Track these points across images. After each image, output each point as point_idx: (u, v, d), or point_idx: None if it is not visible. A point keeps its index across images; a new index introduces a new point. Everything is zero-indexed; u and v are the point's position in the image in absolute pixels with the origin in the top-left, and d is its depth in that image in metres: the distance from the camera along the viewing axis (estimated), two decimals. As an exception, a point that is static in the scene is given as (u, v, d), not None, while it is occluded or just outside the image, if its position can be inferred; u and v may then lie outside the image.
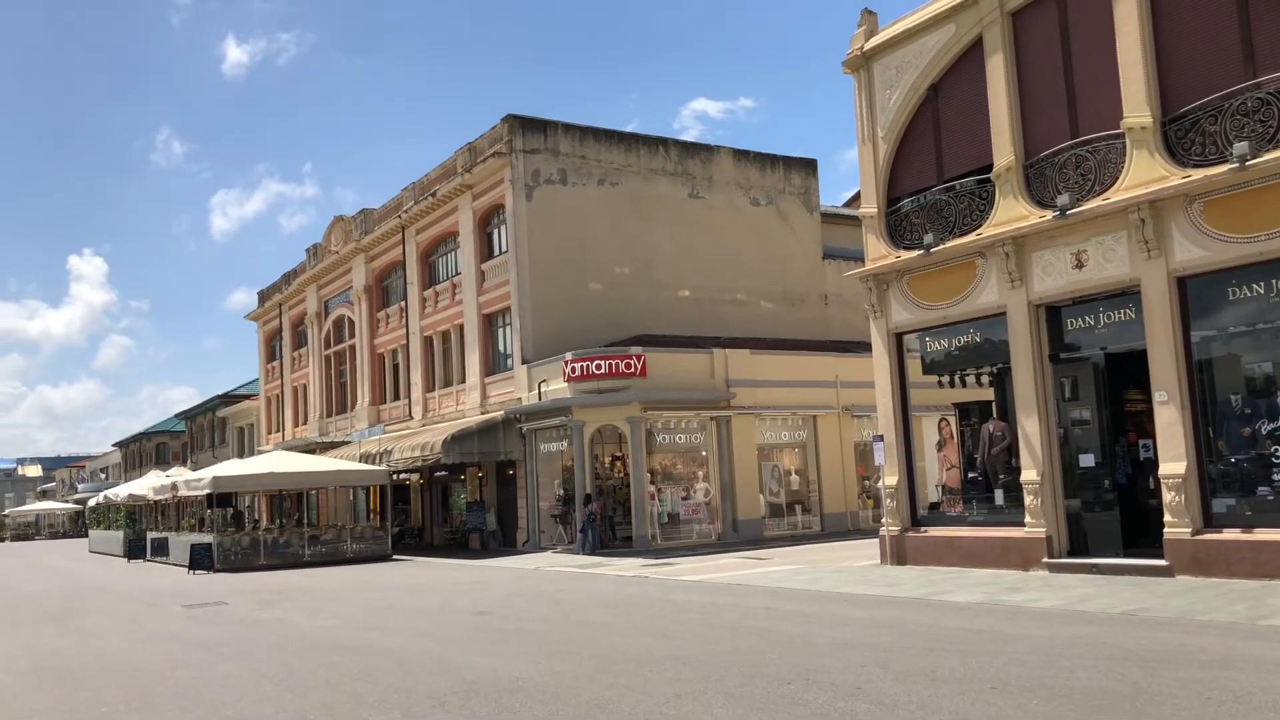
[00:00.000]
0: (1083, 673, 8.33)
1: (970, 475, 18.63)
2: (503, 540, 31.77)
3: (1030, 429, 16.66)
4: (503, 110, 32.46)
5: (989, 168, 17.38)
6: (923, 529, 18.68)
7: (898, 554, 18.80)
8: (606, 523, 27.72)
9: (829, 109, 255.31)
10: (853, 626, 11.56)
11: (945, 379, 19.04)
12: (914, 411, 19.32)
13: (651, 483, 27.59)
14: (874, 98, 19.42)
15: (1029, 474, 16.60)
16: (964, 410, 19.05)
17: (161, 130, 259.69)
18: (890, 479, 19.04)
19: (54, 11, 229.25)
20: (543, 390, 29.10)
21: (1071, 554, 16.24)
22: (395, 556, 30.49)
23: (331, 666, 10.57)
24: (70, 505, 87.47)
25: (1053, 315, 16.75)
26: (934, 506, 19.02)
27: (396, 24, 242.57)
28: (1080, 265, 15.94)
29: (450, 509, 37.01)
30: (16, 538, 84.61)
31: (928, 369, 19.20)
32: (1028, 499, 16.63)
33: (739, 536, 27.88)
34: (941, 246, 17.89)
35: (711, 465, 28.49)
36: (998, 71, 17.20)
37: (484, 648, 11.30)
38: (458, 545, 33.90)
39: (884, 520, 19.34)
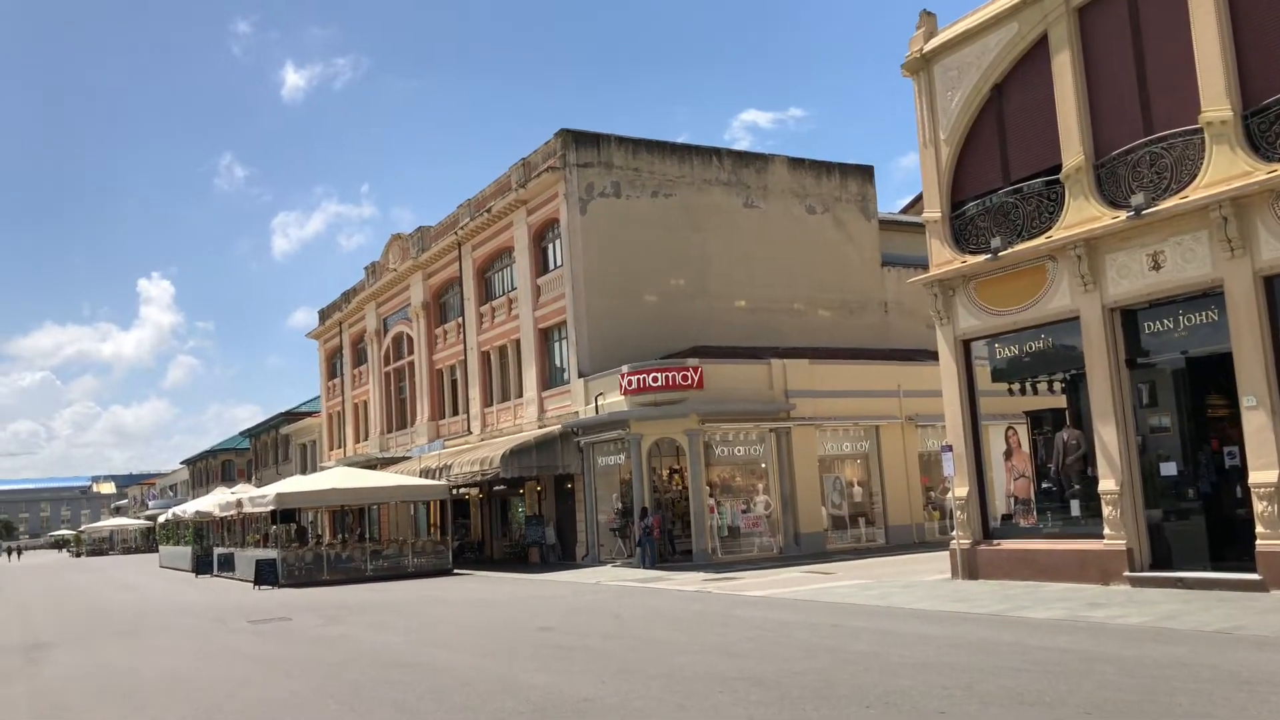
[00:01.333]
0: (1183, 697, 7.85)
1: (1043, 485, 18.00)
2: (562, 554, 31.62)
3: (1108, 437, 16.03)
4: (554, 126, 32.83)
5: (1057, 168, 16.84)
6: (995, 542, 18.09)
7: (969, 568, 18.23)
8: (665, 536, 27.40)
9: (880, 116, 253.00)
10: (929, 645, 11.13)
11: (1015, 386, 18.46)
12: (983, 420, 18.74)
13: (710, 496, 27.24)
14: (935, 100, 18.97)
15: (1107, 484, 15.98)
16: (1036, 418, 18.45)
17: (224, 155, 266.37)
18: (960, 490, 18.50)
19: (123, 45, 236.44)
20: (599, 404, 28.94)
21: (1154, 567, 15.57)
22: (456, 571, 30.51)
23: (396, 685, 10.44)
24: (142, 521, 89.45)
25: (1129, 319, 16.13)
26: (1006, 518, 18.42)
27: (448, 46, 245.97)
28: (1157, 267, 15.33)
29: (509, 523, 36.99)
30: (92, 553, 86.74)
31: (996, 376, 18.63)
32: (1106, 510, 16.00)
33: (801, 550, 27.37)
34: (1010, 250, 17.36)
35: (771, 477, 28.05)
36: (1064, 69, 16.67)
37: (548, 665, 11.09)
38: (517, 559, 33.84)
39: (954, 533, 18.78)
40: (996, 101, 18.06)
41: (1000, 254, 17.44)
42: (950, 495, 18.96)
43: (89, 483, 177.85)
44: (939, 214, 18.82)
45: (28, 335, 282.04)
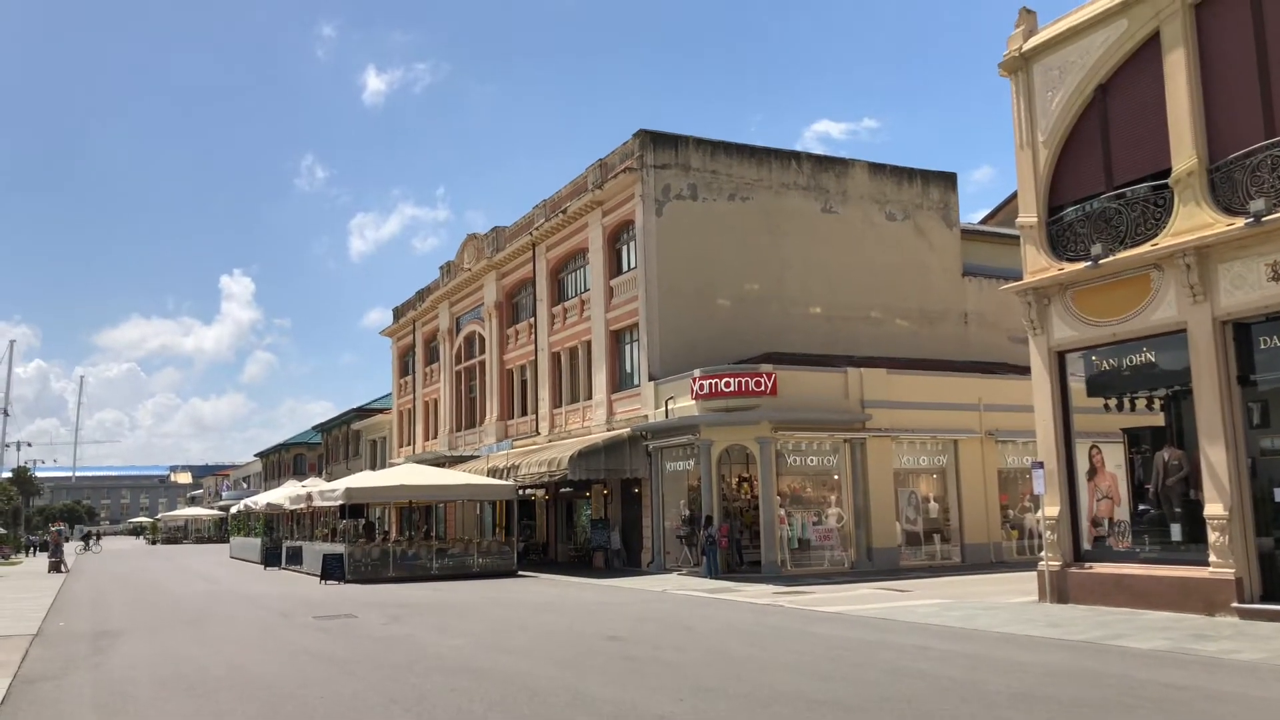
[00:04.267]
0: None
1: (1141, 508, 17.01)
2: (627, 560, 31.17)
3: (1215, 458, 15.03)
4: (627, 135, 32.52)
5: (1166, 172, 15.89)
6: (1087, 565, 17.13)
7: (1058, 591, 17.30)
8: (734, 546, 26.77)
9: (955, 128, 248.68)
10: (1027, 673, 10.39)
11: (1112, 402, 17.49)
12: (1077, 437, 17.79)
13: (780, 506, 26.54)
14: (1033, 101, 18.11)
15: (1214, 508, 14.97)
16: (1133, 436, 17.46)
17: (306, 156, 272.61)
18: (1051, 509, 17.58)
19: (211, 46, 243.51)
20: (670, 408, 28.44)
21: (1265, 599, 14.53)
22: (520, 573, 30.25)
23: (461, 692, 10.06)
24: (215, 512, 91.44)
25: (1241, 333, 15.12)
26: (1099, 540, 17.45)
27: (525, 54, 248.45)
28: (1277, 277, 14.31)
29: (575, 526, 36.69)
30: (167, 541, 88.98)
31: (1092, 391, 17.68)
32: (1212, 536, 14.99)
33: (873, 565, 26.51)
34: (1111, 258, 16.43)
35: (844, 489, 27.24)
36: (1178, 68, 15.72)
37: (620, 678, 10.61)
38: (581, 563, 33.49)
39: (1042, 554, 17.86)
40: (1100, 102, 17.14)
41: (1101, 262, 16.52)
42: (1040, 514, 18.03)
43: (167, 472, 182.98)
44: (1035, 219, 17.95)
45: (116, 327, 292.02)
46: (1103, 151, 17.11)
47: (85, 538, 74.24)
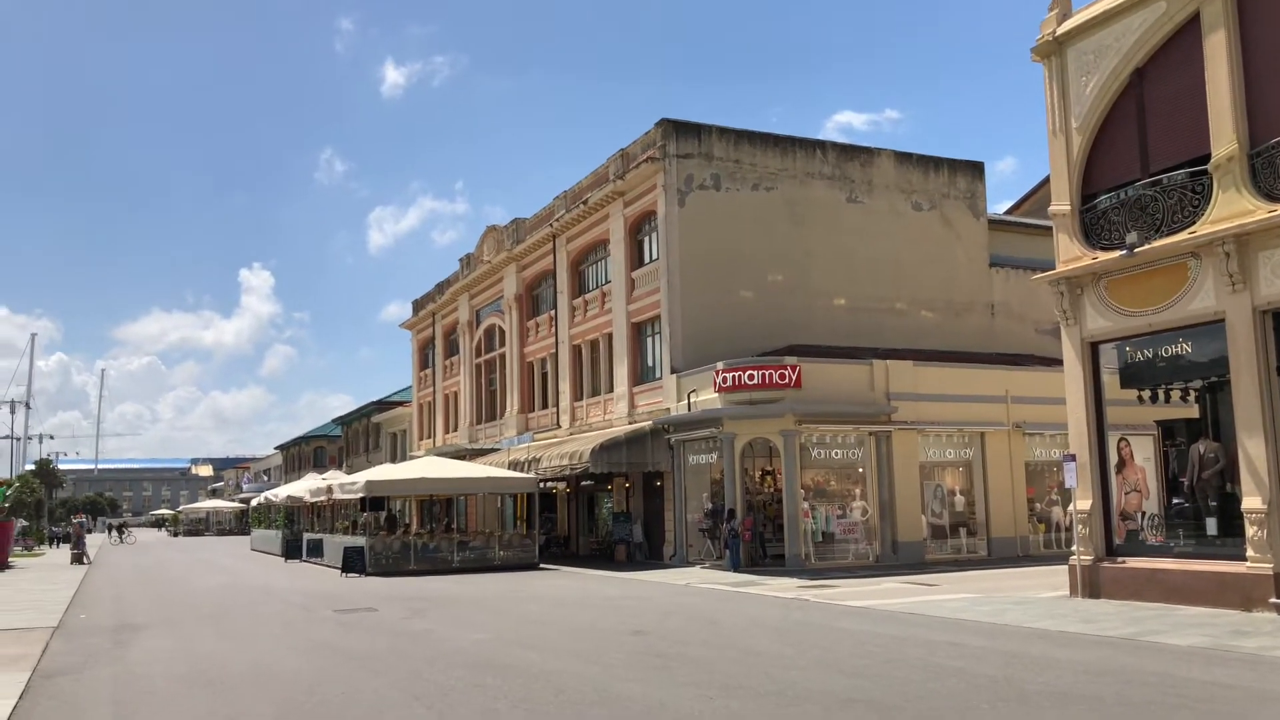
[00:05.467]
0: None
1: (1175, 501, 16.63)
2: (648, 553, 30.95)
3: (1254, 451, 14.63)
4: (648, 125, 32.28)
5: (1205, 158, 15.46)
6: (1120, 559, 16.76)
7: (1090, 586, 16.94)
8: (757, 540, 26.50)
9: (978, 118, 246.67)
10: (1063, 671, 10.09)
11: (1146, 393, 17.09)
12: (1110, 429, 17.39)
13: (804, 499, 26.23)
14: (1067, 86, 17.68)
15: (1252, 501, 14.58)
16: (1168, 429, 17.06)
17: (325, 150, 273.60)
18: (1083, 503, 17.20)
19: (230, 41, 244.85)
20: (692, 401, 28.17)
21: (1306, 596, 14.13)
22: (542, 566, 30.10)
23: (485, 689, 9.85)
24: (236, 504, 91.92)
25: (1283, 323, 14.70)
26: (1132, 534, 17.06)
27: (545, 46, 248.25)
28: (1320, 265, 13.88)
29: (596, 519, 36.51)
30: (188, 533, 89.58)
31: (1126, 382, 17.28)
32: (1250, 530, 14.60)
33: (898, 559, 26.19)
34: (1147, 246, 16.02)
35: (869, 483, 26.91)
36: (1218, 51, 15.28)
37: (646, 675, 10.38)
38: (603, 556, 33.30)
39: (1073, 548, 17.50)
40: (1136, 87, 16.71)
41: (1136, 250, 16.11)
42: (1071, 508, 17.67)
43: (188, 464, 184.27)
44: (1068, 207, 17.55)
45: (136, 321, 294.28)
46: (1139, 137, 16.69)
47: (117, 528, 74.79)
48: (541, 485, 33.79)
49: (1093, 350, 17.41)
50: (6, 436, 75.12)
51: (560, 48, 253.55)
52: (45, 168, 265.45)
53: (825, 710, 8.38)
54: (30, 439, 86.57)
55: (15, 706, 9.78)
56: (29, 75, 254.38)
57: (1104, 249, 16.94)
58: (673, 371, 29.63)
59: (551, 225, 36.92)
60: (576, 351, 36.22)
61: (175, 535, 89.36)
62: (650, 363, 31.91)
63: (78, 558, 39.39)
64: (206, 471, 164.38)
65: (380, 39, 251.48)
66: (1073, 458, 17.37)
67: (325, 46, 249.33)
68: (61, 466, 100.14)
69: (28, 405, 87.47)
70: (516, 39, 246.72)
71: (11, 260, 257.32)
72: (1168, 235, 15.89)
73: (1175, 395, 16.97)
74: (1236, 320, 14.95)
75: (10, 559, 38.21)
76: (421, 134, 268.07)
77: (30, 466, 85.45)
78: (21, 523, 56.78)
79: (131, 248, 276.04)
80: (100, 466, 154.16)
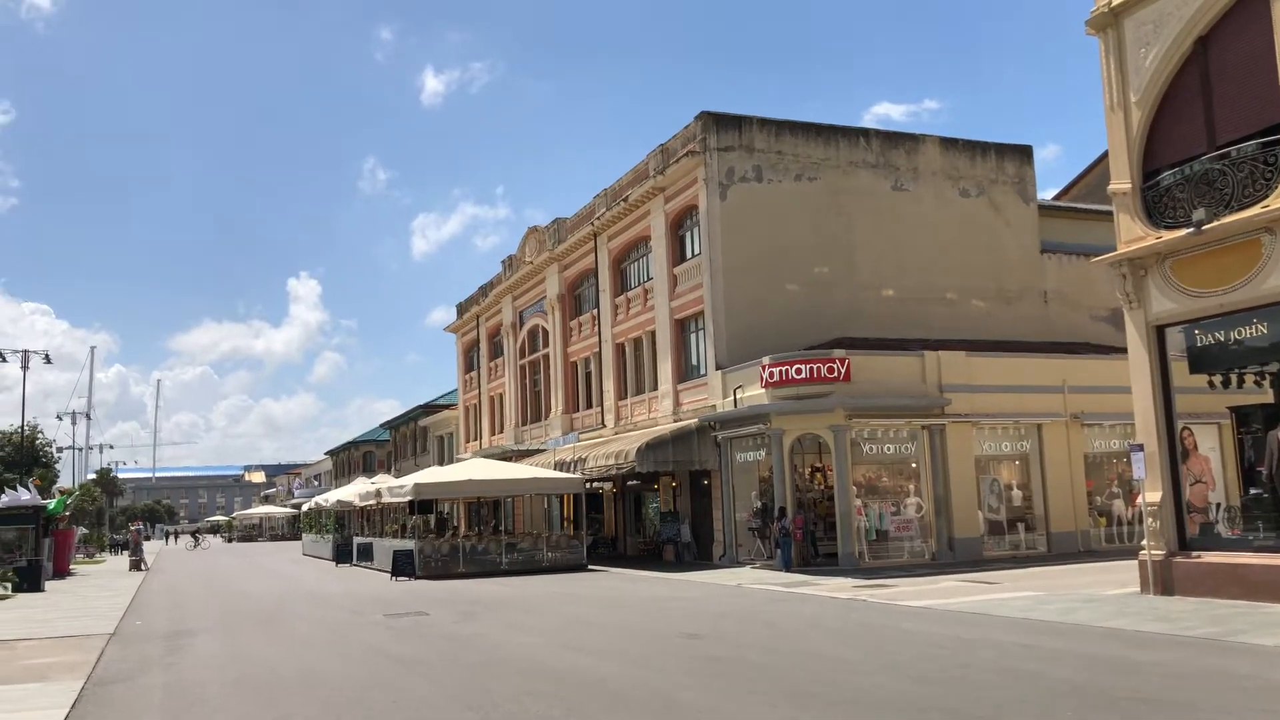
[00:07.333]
0: None
1: (1252, 491, 15.86)
2: (697, 553, 30.52)
3: (1339, 437, 13.87)
4: (682, 126, 31.87)
5: (1276, 128, 14.71)
6: (1194, 553, 16.03)
7: (1162, 582, 16.22)
8: (808, 538, 25.95)
9: (1019, 105, 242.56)
10: (1148, 675, 9.52)
11: (1218, 378, 16.33)
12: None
13: (856, 496, 25.63)
14: (1124, 59, 16.98)
15: (1338, 491, 13.82)
16: (1242, 415, 16.28)
17: (368, 159, 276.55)
18: (1152, 495, 16.49)
19: (274, 54, 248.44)
20: (738, 397, 27.69)
21: (1400, 589, 13.36)
22: (590, 566, 29.81)
23: (537, 696, 9.52)
24: (288, 509, 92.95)
25: (1366, 300, 13.92)
26: (1206, 527, 16.32)
27: (581, 47, 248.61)
28: (1407, 238, 13.11)
29: (643, 519, 36.16)
30: (242, 539, 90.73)
31: (1195, 367, 16.54)
32: (1337, 521, 13.85)
33: (955, 556, 25.50)
34: (1216, 223, 15.29)
35: (924, 478, 26.23)
36: (1288, 14, 14.53)
37: (706, 681, 9.98)
38: (651, 556, 32.93)
39: (1142, 542, 16.79)
40: (1200, 56, 15.98)
41: (1204, 228, 15.38)
42: (1140, 500, 16.95)
43: (241, 471, 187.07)
44: (1129, 185, 16.84)
45: (189, 332, 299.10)
46: (1203, 109, 15.95)
47: (192, 534, 78.04)
48: (588, 486, 33.51)
49: (1159, 334, 16.69)
50: (69, 447, 76.79)
51: (596, 49, 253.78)
52: (99, 185, 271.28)
53: None
54: (91, 449, 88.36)
55: (68, 716, 9.66)
56: (84, 92, 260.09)
57: (1168, 228, 16.22)
58: (718, 368, 29.17)
59: (592, 224, 36.63)
60: (620, 350, 35.89)
61: (229, 541, 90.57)
62: (694, 360, 31.47)
63: (136, 564, 39.89)
64: (259, 478, 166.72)
65: (419, 47, 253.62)
66: (1140, 448, 16.66)
67: (366, 56, 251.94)
68: (121, 475, 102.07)
69: (88, 416, 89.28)
70: (553, 41, 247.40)
71: (71, 275, 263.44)
72: (1238, 210, 15.15)
73: (1249, 380, 16.21)
74: (1316, 299, 14.20)
75: (71, 566, 38.81)
76: (462, 141, 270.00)
77: (92, 476, 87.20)
78: (82, 531, 57.82)
79: (183, 261, 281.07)
80: (158, 475, 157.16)
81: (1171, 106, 16.45)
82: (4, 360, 48.76)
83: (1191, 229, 15.55)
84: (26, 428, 54.92)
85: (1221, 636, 11.90)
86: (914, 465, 26.44)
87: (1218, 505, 16.31)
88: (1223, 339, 16.00)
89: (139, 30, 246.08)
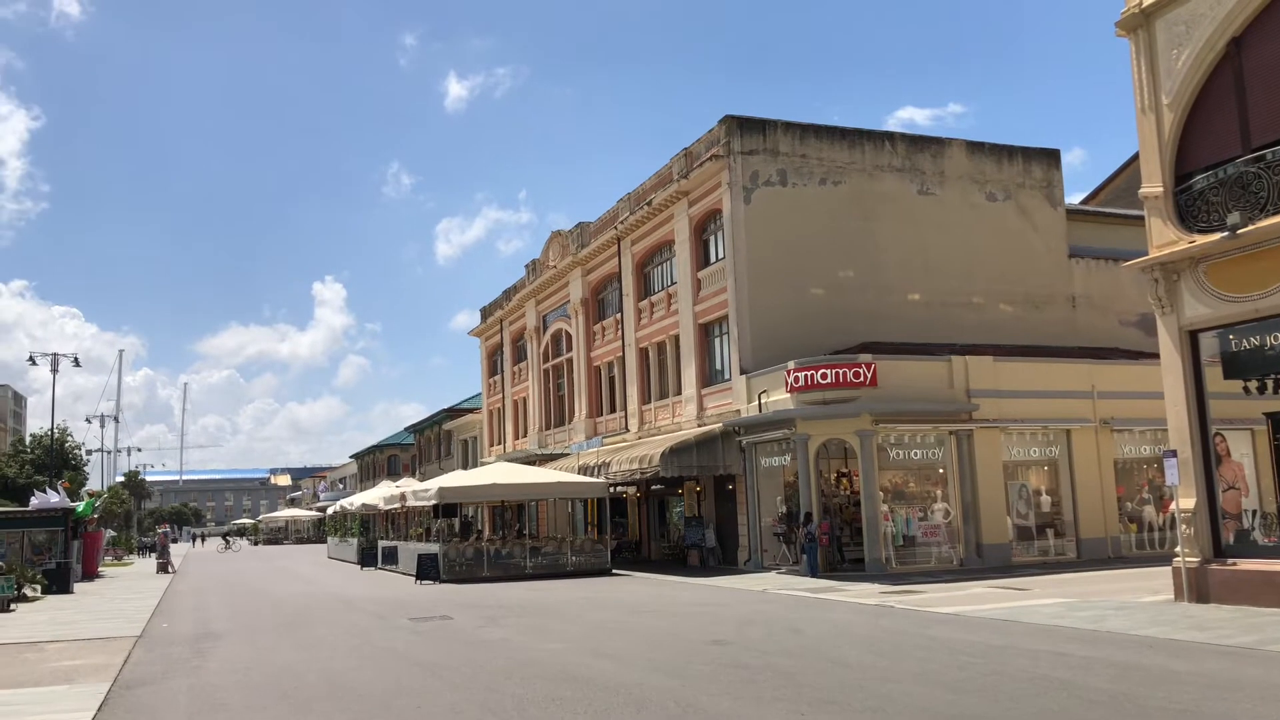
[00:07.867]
0: None
1: (1288, 499, 15.57)
2: (722, 558, 30.38)
3: (1378, 444, 13.60)
4: (709, 126, 31.80)
5: (1313, 130, 14.46)
6: (1230, 561, 15.77)
7: (1197, 589, 15.96)
8: (834, 544, 25.77)
9: (1045, 109, 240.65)
10: (1184, 685, 9.34)
11: (1254, 384, 16.06)
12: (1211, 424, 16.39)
13: (883, 501, 25.42)
14: (1156, 60, 16.76)
15: (1378, 499, 13.54)
16: (1278, 421, 16.00)
17: (392, 164, 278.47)
18: (1186, 501, 16.24)
19: (299, 61, 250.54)
20: (763, 402, 27.54)
21: None
22: (614, 571, 29.74)
23: (562, 704, 9.46)
24: (313, 513, 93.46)
25: (1406, 304, 13.64)
26: (1242, 534, 16.05)
27: (603, 53, 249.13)
28: None
29: (667, 524, 36.05)
30: (268, 541, 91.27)
31: (1230, 372, 16.27)
32: (1376, 529, 13.57)
33: (984, 562, 25.24)
34: (1251, 227, 15.05)
35: (951, 483, 25.99)
36: (1325, 13, 14.29)
37: (732, 689, 9.88)
38: (675, 561, 32.82)
39: (1176, 549, 16.53)
40: (1234, 57, 15.75)
41: (1240, 232, 15.15)
42: (1174, 506, 16.69)
43: (267, 475, 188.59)
44: (1160, 188, 16.61)
45: (215, 336, 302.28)
46: (1238, 111, 15.72)
47: (223, 536, 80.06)
48: (612, 490, 33.44)
49: (1192, 339, 16.45)
50: (98, 450, 77.62)
51: (619, 54, 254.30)
52: (127, 190, 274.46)
53: (928, 728, 7.82)
54: (120, 451, 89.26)
55: (94, 719, 9.70)
56: (112, 98, 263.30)
57: (1202, 231, 15.99)
58: (742, 372, 29.05)
59: (616, 228, 36.60)
60: (643, 354, 35.83)
61: (255, 544, 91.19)
62: (719, 364, 31.36)
63: (163, 567, 40.21)
64: (285, 481, 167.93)
65: (443, 53, 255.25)
66: (1174, 454, 16.42)
67: (390, 62, 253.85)
68: (149, 478, 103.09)
69: (116, 419, 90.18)
70: (576, 47, 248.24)
71: (100, 279, 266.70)
72: (1274, 214, 14.91)
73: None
74: (1354, 303, 13.93)
75: (100, 568, 39.18)
76: (485, 145, 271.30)
77: (120, 478, 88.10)
78: (110, 533, 58.38)
79: (210, 265, 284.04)
80: (185, 478, 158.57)
81: (1204, 109, 16.22)
82: (34, 364, 49.42)
83: (1226, 233, 15.32)
84: (56, 430, 55.53)
85: (1259, 645, 11.67)
86: (941, 470, 26.21)
87: (1252, 512, 16.04)
88: (1258, 343, 15.73)
89: (165, 37, 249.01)
